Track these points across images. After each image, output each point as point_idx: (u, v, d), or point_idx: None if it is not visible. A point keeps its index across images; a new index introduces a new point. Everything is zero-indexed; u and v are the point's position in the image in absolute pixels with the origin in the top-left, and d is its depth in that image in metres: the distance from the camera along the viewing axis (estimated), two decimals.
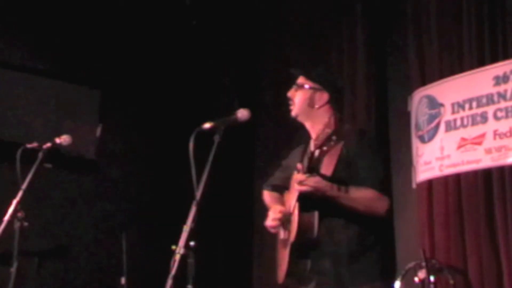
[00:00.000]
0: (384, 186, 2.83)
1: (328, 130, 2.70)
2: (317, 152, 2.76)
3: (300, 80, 3.09)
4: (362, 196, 2.77)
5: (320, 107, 3.01)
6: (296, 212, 2.80)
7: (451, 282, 4.43)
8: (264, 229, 6.98)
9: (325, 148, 2.70)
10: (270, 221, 3.03)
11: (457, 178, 4.86)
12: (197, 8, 6.49)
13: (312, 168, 2.74)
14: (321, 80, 3.07)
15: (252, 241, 6.68)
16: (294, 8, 6.58)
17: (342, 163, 2.79)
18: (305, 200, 2.76)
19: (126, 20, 6.26)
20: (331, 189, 2.74)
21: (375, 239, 2.82)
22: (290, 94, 3.10)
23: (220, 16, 6.70)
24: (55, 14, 5.92)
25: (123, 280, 5.31)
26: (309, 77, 3.08)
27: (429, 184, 5.05)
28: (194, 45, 6.61)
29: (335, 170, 2.78)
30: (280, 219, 2.98)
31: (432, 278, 4.31)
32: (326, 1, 6.23)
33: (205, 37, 6.62)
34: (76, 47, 6.04)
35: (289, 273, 2.85)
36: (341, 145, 2.78)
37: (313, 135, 2.98)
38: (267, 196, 3.33)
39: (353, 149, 2.82)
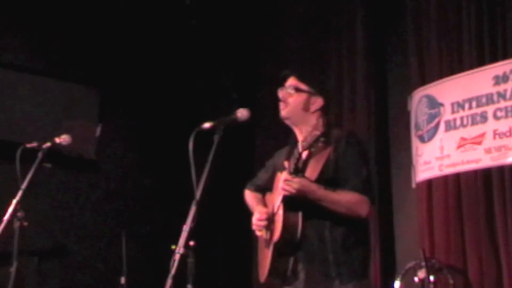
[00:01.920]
0: (367, 188, 2.83)
1: (317, 132, 2.69)
2: (304, 154, 2.76)
3: (294, 81, 3.02)
4: (344, 199, 2.78)
5: (315, 111, 2.97)
6: (280, 212, 2.81)
7: (451, 282, 4.43)
8: None
9: (313, 149, 2.69)
10: (256, 222, 3.02)
11: (457, 177, 4.86)
12: (197, 7, 6.49)
13: (298, 169, 2.75)
14: (316, 84, 3.03)
15: (251, 241, 6.67)
16: (294, 8, 6.58)
17: (329, 167, 2.81)
18: (289, 200, 2.77)
19: (126, 20, 6.26)
20: (313, 193, 2.75)
21: (358, 239, 2.85)
22: (282, 95, 3.02)
23: (220, 16, 6.70)
24: (55, 14, 5.92)
25: (123, 280, 5.31)
26: (304, 80, 3.02)
27: (429, 183, 5.05)
28: (194, 45, 6.61)
29: (321, 173, 2.79)
30: (266, 221, 2.97)
31: (431, 278, 4.31)
32: (326, 1, 6.23)
33: (204, 37, 6.62)
34: (76, 46, 6.04)
35: (271, 272, 2.87)
36: (330, 150, 2.81)
37: (301, 138, 2.93)
38: (249, 196, 3.34)
39: (340, 153, 2.84)
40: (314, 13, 6.34)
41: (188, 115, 5.95)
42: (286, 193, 2.75)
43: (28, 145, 3.78)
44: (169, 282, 2.37)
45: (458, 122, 4.84)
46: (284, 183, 2.74)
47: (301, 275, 2.82)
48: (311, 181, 2.76)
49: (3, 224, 3.47)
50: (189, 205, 2.53)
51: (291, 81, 3.03)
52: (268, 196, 3.17)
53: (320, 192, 2.76)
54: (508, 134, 4.49)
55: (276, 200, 2.91)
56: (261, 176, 3.34)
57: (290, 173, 2.73)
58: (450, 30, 5.08)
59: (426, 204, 5.02)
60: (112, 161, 6.21)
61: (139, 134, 6.39)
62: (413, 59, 5.33)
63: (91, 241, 5.89)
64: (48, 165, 3.94)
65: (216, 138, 2.67)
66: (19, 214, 3.53)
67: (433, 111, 5.03)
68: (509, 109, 4.52)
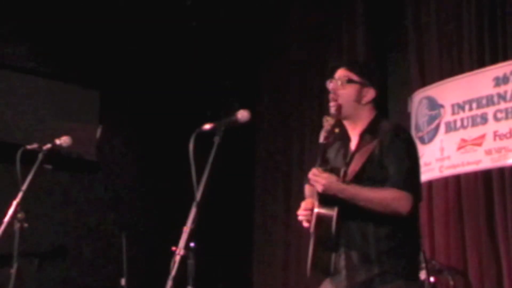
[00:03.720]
0: (408, 183, 2.73)
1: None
2: (360, 147, 2.74)
3: (345, 72, 2.92)
4: (379, 196, 2.69)
5: (367, 103, 2.88)
6: (316, 205, 2.76)
7: (451, 283, 4.43)
8: (264, 229, 6.93)
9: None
10: (300, 211, 2.94)
11: (457, 179, 4.86)
12: (197, 9, 6.48)
13: (325, 162, 2.72)
14: (368, 75, 2.93)
15: (252, 242, 6.68)
16: (294, 9, 6.58)
17: (372, 160, 2.74)
18: (325, 195, 2.72)
19: (126, 21, 6.26)
20: (342, 191, 2.68)
21: (405, 237, 2.76)
22: (332, 87, 2.91)
23: (221, 17, 6.69)
24: (55, 15, 5.92)
25: (123, 281, 5.31)
26: (355, 70, 2.92)
27: (429, 185, 5.05)
28: (195, 46, 6.60)
29: (363, 167, 2.72)
30: (308, 211, 2.87)
31: (432, 279, 4.30)
32: (326, 2, 6.24)
33: (205, 38, 6.62)
34: (76, 48, 6.04)
35: (313, 265, 2.79)
36: (376, 143, 2.75)
37: (353, 132, 2.88)
38: (307, 189, 3.26)
39: (385, 147, 2.76)
40: (314, 14, 6.34)
41: (188, 116, 5.95)
42: (314, 186, 2.71)
43: (29, 147, 3.78)
44: (169, 283, 2.37)
45: (458, 124, 4.85)
46: (310, 176, 2.71)
47: (343, 272, 2.76)
48: (339, 180, 2.70)
49: (3, 226, 3.46)
50: (190, 207, 2.53)
51: (342, 72, 2.93)
52: None
53: (350, 190, 2.67)
54: (508, 135, 4.49)
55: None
56: None
57: (319, 166, 2.70)
58: (450, 31, 5.08)
59: (426, 205, 5.01)
60: (112, 162, 6.21)
61: (139, 135, 6.40)
62: (413, 61, 5.33)
63: (91, 242, 5.89)
64: (49, 167, 3.94)
65: (216, 139, 2.66)
66: (19, 215, 3.53)
67: (433, 113, 5.03)
68: (509, 110, 4.52)
